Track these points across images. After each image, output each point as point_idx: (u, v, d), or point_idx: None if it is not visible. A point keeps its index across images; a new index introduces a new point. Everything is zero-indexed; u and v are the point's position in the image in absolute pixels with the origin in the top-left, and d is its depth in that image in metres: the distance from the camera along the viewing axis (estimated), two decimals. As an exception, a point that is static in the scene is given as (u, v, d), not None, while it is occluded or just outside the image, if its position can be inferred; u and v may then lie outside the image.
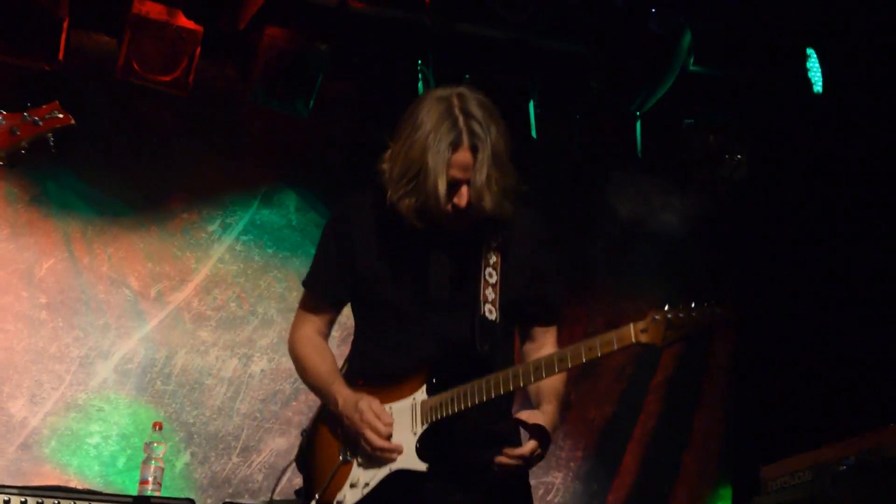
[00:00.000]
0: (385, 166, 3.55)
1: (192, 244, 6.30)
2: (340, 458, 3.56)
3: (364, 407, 3.47)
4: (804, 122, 6.59)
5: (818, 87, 6.31)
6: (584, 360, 3.31)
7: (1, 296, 5.87)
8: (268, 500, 5.63)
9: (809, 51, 6.33)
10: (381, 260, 3.60)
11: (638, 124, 6.61)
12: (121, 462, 5.92)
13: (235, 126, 6.50)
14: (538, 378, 3.38)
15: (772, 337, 6.77)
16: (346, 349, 3.81)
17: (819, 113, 6.43)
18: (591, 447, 6.85)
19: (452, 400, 3.43)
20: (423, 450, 3.44)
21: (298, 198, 6.55)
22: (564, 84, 6.65)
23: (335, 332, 3.90)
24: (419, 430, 3.46)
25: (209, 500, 5.99)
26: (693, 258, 7.16)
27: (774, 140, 6.83)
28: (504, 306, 3.57)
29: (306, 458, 3.69)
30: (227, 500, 5.85)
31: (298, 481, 3.74)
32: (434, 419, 3.45)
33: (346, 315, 3.82)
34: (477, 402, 3.40)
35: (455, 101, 3.47)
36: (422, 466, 3.43)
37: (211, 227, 6.36)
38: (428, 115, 3.46)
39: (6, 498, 4.68)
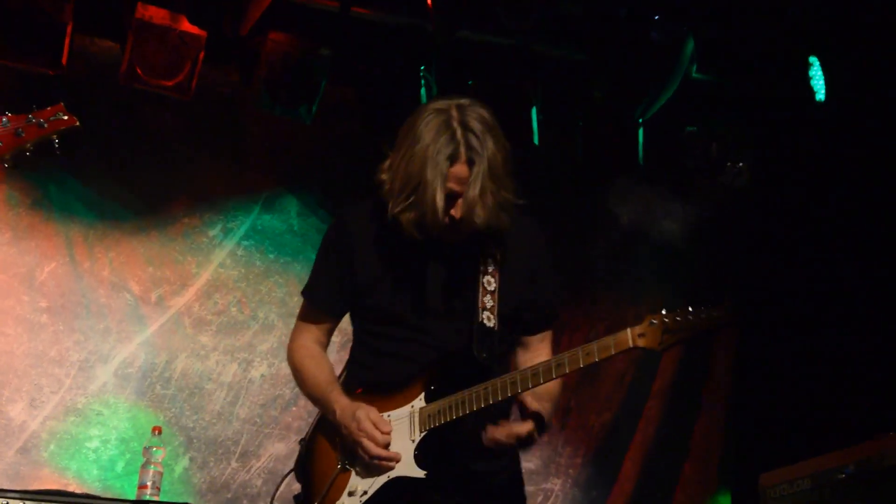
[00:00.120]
0: (384, 177, 3.55)
1: (193, 249, 6.30)
2: (339, 466, 3.56)
3: (361, 416, 3.48)
4: (807, 129, 6.58)
5: (821, 94, 6.29)
6: (581, 366, 3.31)
7: (2, 299, 5.87)
8: (267, 505, 5.63)
9: (812, 58, 6.32)
10: (380, 269, 3.61)
11: (640, 131, 6.61)
12: (120, 466, 5.92)
13: (237, 131, 6.50)
14: (536, 384, 3.38)
15: (772, 345, 6.75)
16: (346, 355, 3.82)
17: (821, 121, 6.43)
18: (590, 454, 6.83)
19: (451, 407, 3.43)
20: (421, 457, 3.45)
21: (300, 203, 6.55)
22: (567, 91, 6.65)
23: (335, 338, 3.91)
24: (417, 437, 3.46)
25: (208, 505, 6.01)
26: (695, 265, 7.15)
27: (777, 148, 6.82)
28: (503, 313, 3.57)
29: (305, 466, 3.69)
30: (226, 504, 5.86)
31: (297, 487, 3.74)
32: (432, 426, 3.45)
33: (346, 320, 3.83)
34: (475, 408, 3.40)
35: (454, 114, 3.48)
36: (420, 473, 3.43)
37: (212, 232, 6.36)
38: (427, 128, 3.46)
39: (5, 502, 4.68)
